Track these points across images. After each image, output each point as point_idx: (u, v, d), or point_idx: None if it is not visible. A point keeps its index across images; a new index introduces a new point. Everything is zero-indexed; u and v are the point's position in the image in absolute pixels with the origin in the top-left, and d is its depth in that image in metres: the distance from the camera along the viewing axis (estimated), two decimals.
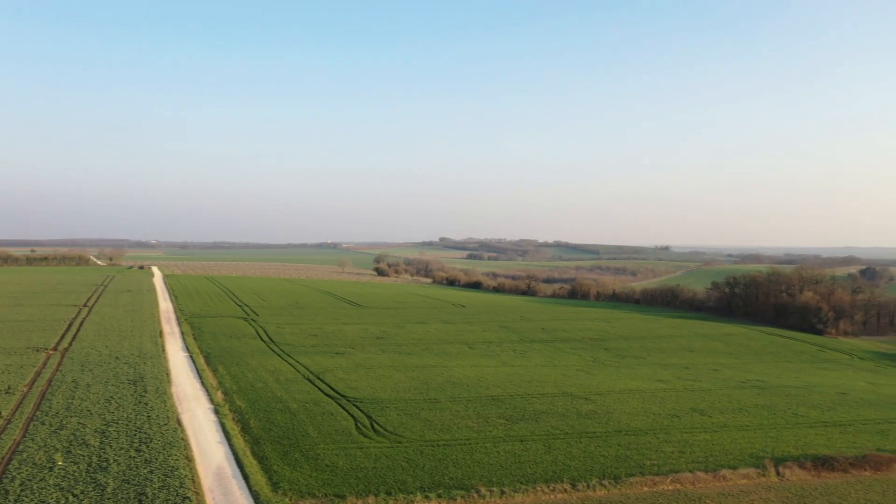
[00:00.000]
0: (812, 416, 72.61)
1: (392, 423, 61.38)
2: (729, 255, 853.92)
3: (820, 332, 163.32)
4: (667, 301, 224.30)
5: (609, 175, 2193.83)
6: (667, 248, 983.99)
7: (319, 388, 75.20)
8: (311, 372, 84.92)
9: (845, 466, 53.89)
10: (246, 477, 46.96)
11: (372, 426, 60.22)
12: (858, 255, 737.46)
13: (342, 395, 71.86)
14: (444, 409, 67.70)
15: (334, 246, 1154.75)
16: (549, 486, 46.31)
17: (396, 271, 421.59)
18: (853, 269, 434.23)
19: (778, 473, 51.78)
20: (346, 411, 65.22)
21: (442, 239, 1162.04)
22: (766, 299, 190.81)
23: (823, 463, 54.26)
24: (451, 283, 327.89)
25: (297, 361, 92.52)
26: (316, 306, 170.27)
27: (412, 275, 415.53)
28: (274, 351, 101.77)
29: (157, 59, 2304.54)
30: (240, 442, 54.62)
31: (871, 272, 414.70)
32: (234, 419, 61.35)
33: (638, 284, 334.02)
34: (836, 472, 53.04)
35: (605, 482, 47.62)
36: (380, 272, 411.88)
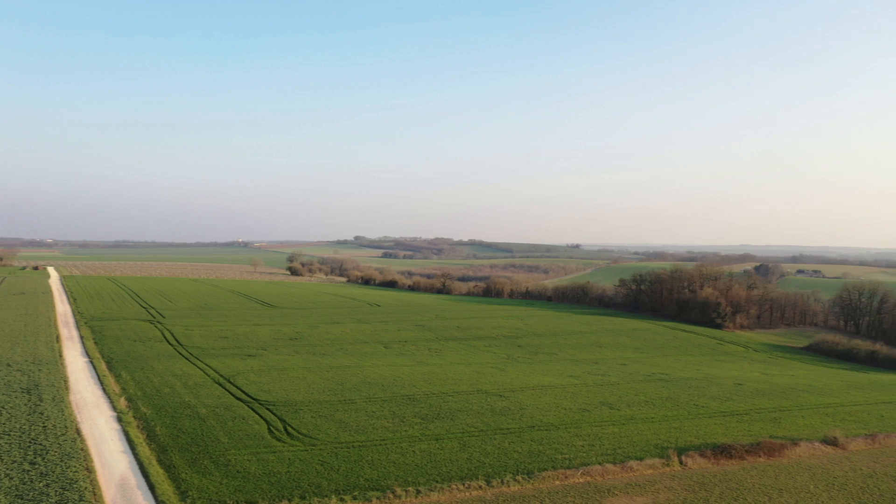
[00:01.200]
0: (712, 406, 76.38)
1: (306, 425, 60.39)
2: (636, 253, 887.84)
3: (719, 326, 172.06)
4: (577, 298, 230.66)
5: (521, 175, 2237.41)
6: (577, 246, 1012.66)
7: (230, 392, 73.08)
8: (221, 375, 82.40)
9: (742, 453, 56.95)
10: (152, 487, 45.06)
11: (285, 429, 59.05)
12: (753, 252, 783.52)
13: (254, 399, 70.13)
14: (360, 409, 67.21)
15: (245, 245, 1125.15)
16: (464, 484, 46.72)
17: (310, 270, 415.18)
18: (749, 266, 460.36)
19: (681, 462, 54.16)
20: (259, 415, 63.69)
21: (357, 237, 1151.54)
22: (670, 295, 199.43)
23: (722, 451, 57.14)
24: (367, 282, 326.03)
25: (206, 365, 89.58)
26: (226, 307, 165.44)
27: (326, 274, 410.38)
28: (182, 354, 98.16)
29: (43, 48, 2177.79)
30: (145, 450, 52.35)
31: (764, 269, 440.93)
32: (138, 427, 58.75)
33: (550, 282, 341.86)
34: (734, 459, 55.98)
35: (519, 478, 48.47)
36: (293, 271, 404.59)
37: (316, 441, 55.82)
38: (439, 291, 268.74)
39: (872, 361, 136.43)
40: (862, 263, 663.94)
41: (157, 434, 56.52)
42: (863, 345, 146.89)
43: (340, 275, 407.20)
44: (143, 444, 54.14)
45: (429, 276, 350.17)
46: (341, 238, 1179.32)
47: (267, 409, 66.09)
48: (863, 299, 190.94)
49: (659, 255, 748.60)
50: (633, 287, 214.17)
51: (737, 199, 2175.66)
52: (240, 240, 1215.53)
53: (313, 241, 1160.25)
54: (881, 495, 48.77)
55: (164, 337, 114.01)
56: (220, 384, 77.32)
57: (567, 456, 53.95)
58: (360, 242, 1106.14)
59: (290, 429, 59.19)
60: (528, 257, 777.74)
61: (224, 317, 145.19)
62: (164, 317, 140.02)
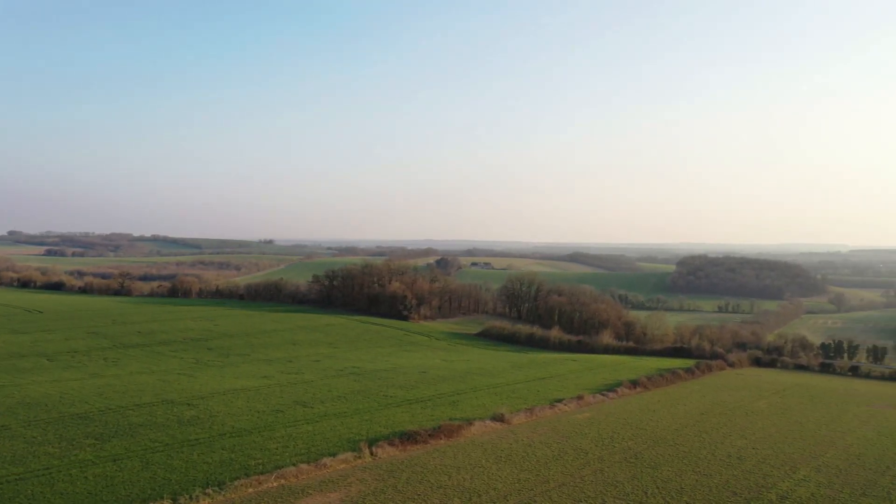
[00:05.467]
0: (399, 395, 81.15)
1: None
2: (329, 248, 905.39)
3: (405, 318, 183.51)
4: (271, 295, 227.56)
5: (212, 169, 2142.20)
6: (271, 241, 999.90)
7: None
8: None
9: (426, 438, 61.40)
10: None
11: None
12: (436, 247, 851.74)
13: None
14: (16, 436, 58.10)
15: None
16: None
17: None
18: (431, 260, 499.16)
19: (372, 453, 56.53)
20: None
21: (11, 233, 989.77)
22: (361, 290, 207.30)
23: (408, 437, 60.95)
24: (25, 284, 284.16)
25: None
26: None
27: None
28: None
29: None
30: None
31: (444, 262, 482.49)
32: None
33: (242, 279, 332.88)
34: (419, 444, 60.11)
35: (210, 490, 46.18)
36: None
37: None
38: (117, 293, 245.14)
39: (531, 343, 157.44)
40: (523, 256, 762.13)
41: None
42: (524, 329, 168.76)
43: None
44: None
45: (104, 276, 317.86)
46: None
47: None
48: (523, 288, 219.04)
49: (350, 250, 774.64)
50: (326, 283, 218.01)
51: (422, 197, 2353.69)
52: None
53: None
54: (538, 461, 56.45)
55: None
56: None
57: (260, 461, 52.91)
58: (16, 238, 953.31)
59: None
60: (218, 253, 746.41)
61: None
62: None
